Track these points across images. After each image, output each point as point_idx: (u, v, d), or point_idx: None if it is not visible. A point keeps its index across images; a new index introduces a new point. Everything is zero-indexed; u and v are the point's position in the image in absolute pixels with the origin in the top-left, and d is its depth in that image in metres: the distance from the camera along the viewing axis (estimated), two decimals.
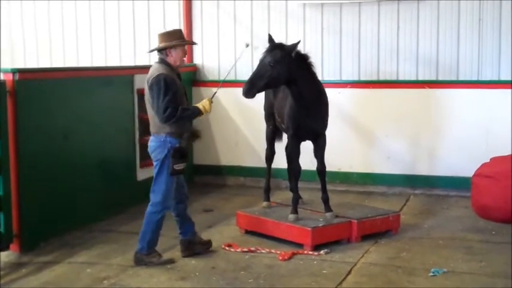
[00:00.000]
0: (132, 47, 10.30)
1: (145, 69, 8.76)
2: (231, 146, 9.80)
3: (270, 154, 7.69)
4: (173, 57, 6.14)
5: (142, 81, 8.41)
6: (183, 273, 6.02)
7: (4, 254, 6.46)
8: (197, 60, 9.88)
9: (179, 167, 6.08)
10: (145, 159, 8.49)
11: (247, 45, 6.94)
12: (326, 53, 9.33)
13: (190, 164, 9.09)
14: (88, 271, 6.11)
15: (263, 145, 7.81)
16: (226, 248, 6.65)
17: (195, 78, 9.85)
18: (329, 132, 7.05)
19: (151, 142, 6.18)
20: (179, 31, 6.31)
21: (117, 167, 8.11)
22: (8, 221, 6.47)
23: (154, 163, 6.18)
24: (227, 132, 9.75)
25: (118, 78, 8.28)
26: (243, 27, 9.66)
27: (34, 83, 6.80)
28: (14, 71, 6.58)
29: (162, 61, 6.16)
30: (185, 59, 6.28)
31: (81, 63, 10.45)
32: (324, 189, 7.00)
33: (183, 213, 6.44)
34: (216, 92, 6.41)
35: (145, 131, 8.48)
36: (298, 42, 6.57)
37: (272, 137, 7.63)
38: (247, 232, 7.15)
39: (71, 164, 7.24)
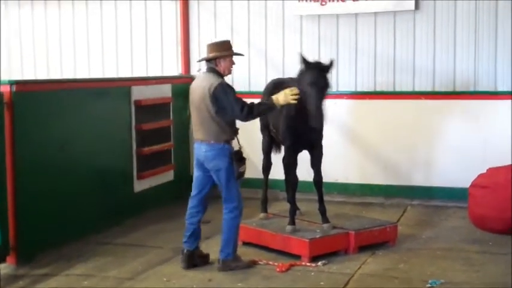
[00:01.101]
0: (130, 57, 10.34)
1: (142, 81, 8.89)
2: None
3: (267, 165, 7.68)
4: (222, 66, 6.29)
5: (139, 93, 8.52)
6: (180, 285, 6.00)
7: (1, 266, 6.44)
8: (195, 69, 9.82)
9: (243, 169, 6.26)
10: (143, 171, 8.54)
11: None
12: None
13: (188, 175, 9.07)
14: (85, 283, 6.09)
15: (260, 156, 7.80)
16: None
17: None
18: (326, 143, 7.04)
19: (207, 152, 6.22)
20: (228, 42, 6.45)
21: (114, 178, 8.08)
22: (5, 233, 6.44)
23: (214, 172, 6.27)
24: None
25: (115, 89, 8.26)
26: (240, 36, 9.67)
27: (31, 95, 6.79)
28: (12, 83, 6.57)
29: (212, 70, 6.30)
30: (232, 68, 6.40)
31: (78, 73, 10.49)
32: (321, 200, 7.00)
33: (197, 223, 6.48)
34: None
35: (142, 142, 8.52)
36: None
37: (268, 148, 7.63)
38: (245, 244, 7.12)
39: (68, 175, 7.22)
